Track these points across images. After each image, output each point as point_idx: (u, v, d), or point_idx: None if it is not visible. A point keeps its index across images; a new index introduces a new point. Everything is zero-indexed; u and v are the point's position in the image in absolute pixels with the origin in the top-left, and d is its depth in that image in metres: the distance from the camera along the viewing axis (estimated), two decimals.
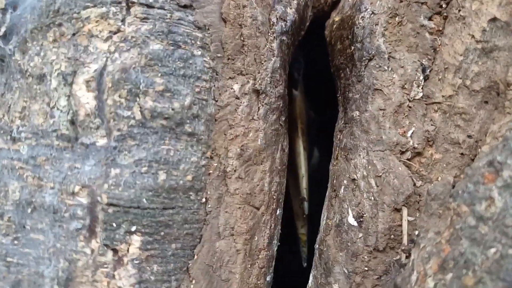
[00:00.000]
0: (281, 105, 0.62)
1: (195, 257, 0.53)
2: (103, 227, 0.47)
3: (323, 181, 0.70)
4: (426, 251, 0.44)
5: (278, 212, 0.64)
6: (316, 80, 0.91)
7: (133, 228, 0.48)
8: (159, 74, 0.49)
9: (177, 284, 0.51)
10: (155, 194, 0.49)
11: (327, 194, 0.67)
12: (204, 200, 0.53)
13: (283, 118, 0.64)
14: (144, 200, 0.48)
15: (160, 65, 0.49)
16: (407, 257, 0.51)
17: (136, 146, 0.48)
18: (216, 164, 0.54)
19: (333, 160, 0.66)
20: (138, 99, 0.48)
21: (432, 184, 0.53)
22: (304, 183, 0.86)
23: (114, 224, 0.48)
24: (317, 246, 0.65)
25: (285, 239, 0.69)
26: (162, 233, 0.50)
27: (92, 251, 0.48)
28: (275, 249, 0.64)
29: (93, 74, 0.47)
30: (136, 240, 0.48)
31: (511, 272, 0.37)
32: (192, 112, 0.51)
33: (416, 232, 0.49)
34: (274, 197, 0.62)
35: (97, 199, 0.47)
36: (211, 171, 0.54)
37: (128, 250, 0.48)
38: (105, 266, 0.48)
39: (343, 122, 0.65)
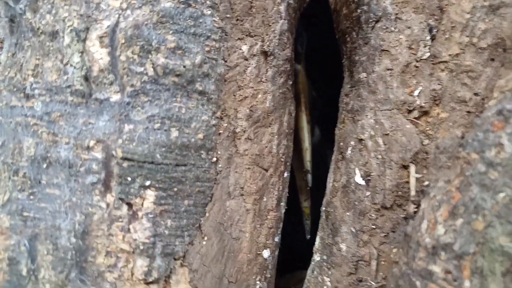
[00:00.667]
0: (288, 68, 0.63)
1: (207, 214, 0.54)
2: (118, 181, 0.48)
3: (323, 159, 0.71)
4: (436, 199, 0.45)
5: (285, 175, 0.65)
6: (319, 52, 0.92)
7: (148, 183, 0.49)
8: (171, 32, 0.49)
9: (190, 239, 0.52)
10: (168, 150, 0.50)
11: (333, 158, 0.68)
12: (214, 159, 0.54)
13: (290, 82, 0.65)
14: (157, 155, 0.49)
15: (171, 22, 0.49)
16: (415, 212, 0.52)
17: (149, 102, 0.49)
18: (226, 125, 0.55)
19: (339, 124, 0.67)
20: (150, 56, 0.48)
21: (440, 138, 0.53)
22: (307, 155, 0.87)
23: (129, 178, 0.48)
24: (323, 208, 0.66)
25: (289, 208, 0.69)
26: (175, 189, 0.51)
27: (108, 205, 0.48)
28: (283, 211, 0.65)
29: (106, 30, 0.47)
30: (150, 194, 0.49)
31: None
32: (202, 71, 0.52)
33: (426, 183, 0.49)
34: (282, 159, 0.63)
35: (112, 153, 0.48)
36: (221, 131, 0.55)
37: (142, 204, 0.49)
38: (120, 220, 0.48)
39: (349, 86, 0.66)
